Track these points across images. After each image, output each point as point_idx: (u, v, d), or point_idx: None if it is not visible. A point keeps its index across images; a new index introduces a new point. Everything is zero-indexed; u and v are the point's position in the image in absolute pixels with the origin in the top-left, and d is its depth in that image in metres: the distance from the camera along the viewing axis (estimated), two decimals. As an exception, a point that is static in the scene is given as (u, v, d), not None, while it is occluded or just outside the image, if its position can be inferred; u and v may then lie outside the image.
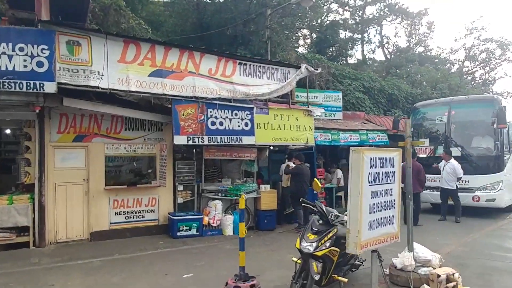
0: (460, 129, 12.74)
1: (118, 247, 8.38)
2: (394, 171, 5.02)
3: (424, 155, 12.76)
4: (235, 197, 9.96)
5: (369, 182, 4.60)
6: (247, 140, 9.83)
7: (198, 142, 9.15)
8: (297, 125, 10.90)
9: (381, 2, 32.72)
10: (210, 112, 9.36)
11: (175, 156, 9.98)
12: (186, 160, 9.86)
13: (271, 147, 10.99)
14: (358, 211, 4.48)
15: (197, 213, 9.59)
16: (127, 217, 9.16)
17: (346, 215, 5.76)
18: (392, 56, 34.02)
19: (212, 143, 9.35)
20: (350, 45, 29.25)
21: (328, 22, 28.45)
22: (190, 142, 9.04)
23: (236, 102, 9.76)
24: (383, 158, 4.82)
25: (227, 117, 9.60)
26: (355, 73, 20.41)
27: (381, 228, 4.82)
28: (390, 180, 4.95)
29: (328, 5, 28.07)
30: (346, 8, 31.68)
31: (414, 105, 14.24)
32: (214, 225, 9.62)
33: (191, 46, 9.46)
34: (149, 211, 9.41)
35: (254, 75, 10.20)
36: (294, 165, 10.63)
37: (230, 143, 9.62)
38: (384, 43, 34.93)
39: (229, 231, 9.69)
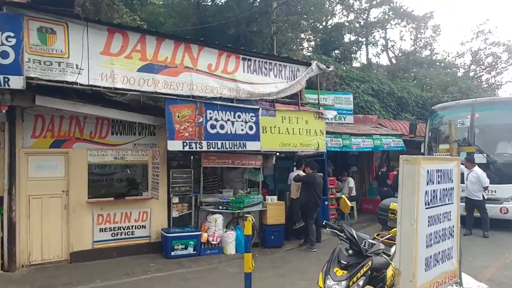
0: (485, 133, 11.38)
1: (101, 270, 7.03)
2: (453, 187, 3.67)
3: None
4: (238, 210, 8.62)
5: (425, 204, 3.25)
6: (251, 145, 8.51)
7: (196, 148, 7.82)
8: (307, 129, 9.56)
9: (386, 5, 31.48)
10: (210, 113, 8.04)
11: (170, 164, 8.66)
12: (182, 169, 8.51)
13: (277, 154, 9.65)
14: (413, 245, 3.12)
15: (194, 229, 8.23)
16: (113, 234, 7.80)
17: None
18: (397, 60, 32.71)
19: (211, 149, 8.02)
20: (355, 48, 27.89)
21: (332, 24, 27.19)
22: (187, 148, 7.71)
23: (239, 102, 8.45)
24: (440, 170, 3.47)
25: (229, 120, 8.28)
26: (363, 75, 19.09)
27: (439, 266, 3.47)
28: (448, 200, 3.60)
29: (333, 7, 26.82)
30: (351, 10, 30.42)
31: (432, 107, 12.91)
32: (214, 242, 8.26)
33: (187, 38, 8.16)
34: (139, 227, 8.05)
35: (260, 72, 8.89)
36: (304, 174, 9.30)
37: (233, 149, 8.29)
38: (389, 47, 33.67)
39: (231, 249, 8.33)
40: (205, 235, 8.21)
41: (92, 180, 7.82)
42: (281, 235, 9.07)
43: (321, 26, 26.66)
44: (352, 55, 26.73)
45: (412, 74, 24.81)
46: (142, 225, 8.08)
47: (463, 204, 10.51)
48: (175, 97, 7.57)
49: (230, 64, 8.43)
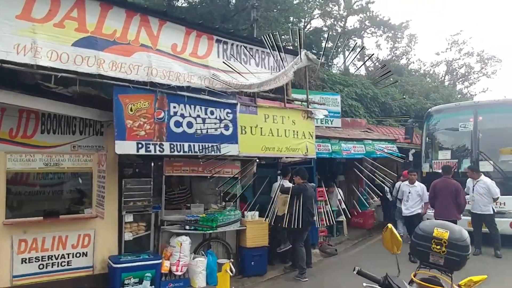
0: (489, 138, 9.88)
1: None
2: None
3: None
4: (210, 231, 6.65)
5: None
6: (227, 149, 6.59)
7: (155, 151, 5.84)
8: (294, 131, 7.74)
9: (363, 13, 30.43)
10: (174, 107, 6.11)
11: (124, 173, 6.64)
12: (139, 178, 6.49)
13: (257, 160, 7.76)
14: None
15: (153, 255, 6.21)
16: (42, 266, 5.68)
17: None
18: (375, 68, 31.61)
19: (176, 152, 6.06)
20: (334, 54, 26.52)
21: (311, 28, 25.73)
22: (142, 151, 5.72)
23: (213, 95, 6.55)
24: None
25: (199, 116, 6.36)
26: (346, 79, 17.56)
27: None
28: None
29: (312, 10, 25.37)
30: (329, 16, 29.19)
31: (429, 110, 11.38)
32: (179, 273, 6.26)
33: (145, 7, 6.20)
34: (78, 254, 5.95)
35: (239, 59, 7.03)
36: (290, 184, 7.45)
37: (203, 153, 6.35)
38: (365, 55, 32.59)
39: (200, 281, 6.35)
40: (166, 263, 6.20)
41: (13, 193, 5.72)
42: (263, 261, 7.17)
43: (297, 28, 25.25)
44: (330, 61, 25.28)
45: (391, 80, 23.46)
46: (83, 253, 5.98)
47: (468, 218, 8.93)
48: (127, 84, 5.59)
49: (201, 46, 6.53)
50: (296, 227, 6.92)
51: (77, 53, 5.13)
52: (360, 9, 30.22)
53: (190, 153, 6.28)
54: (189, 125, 6.24)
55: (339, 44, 29.93)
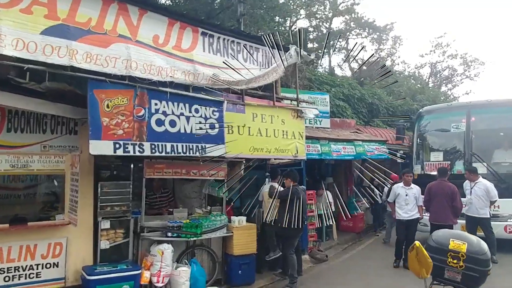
0: (483, 139, 9.64)
1: None
2: None
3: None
4: (194, 238, 6.17)
5: None
6: (213, 150, 6.12)
7: (134, 152, 5.34)
8: (283, 131, 7.32)
9: (348, 15, 30.32)
10: (156, 104, 5.62)
11: (101, 175, 6.11)
12: (117, 181, 5.96)
13: (244, 161, 7.32)
14: None
15: (132, 265, 5.68)
16: (7, 278, 5.11)
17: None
18: (360, 69, 31.53)
19: (157, 153, 5.57)
20: (319, 54, 26.28)
21: (296, 29, 25.44)
22: (120, 152, 5.21)
23: (198, 91, 6.08)
24: None
25: (182, 114, 5.89)
26: (333, 79, 17.27)
27: None
28: None
29: (297, 10, 25.06)
30: (315, 16, 28.98)
31: (420, 110, 11.09)
32: (160, 284, 5.75)
33: (124, -6, 5.68)
34: (49, 265, 5.40)
35: (225, 54, 6.58)
36: (280, 187, 7.02)
37: (187, 154, 5.87)
38: (350, 57, 32.49)
39: (183, 293, 5.86)
40: (146, 274, 5.69)
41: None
42: (251, 269, 6.71)
43: (284, 30, 24.96)
44: (316, 62, 25.04)
45: (376, 82, 23.33)
46: (54, 263, 5.43)
47: (463, 221, 8.65)
48: (103, 78, 5.08)
49: (186, 39, 6.05)
50: (286, 232, 6.51)
51: (46, 42, 4.59)
52: (346, 10, 30.16)
53: (173, 154, 5.79)
54: (172, 123, 5.76)
55: (324, 44, 29.89)
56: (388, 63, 32.80)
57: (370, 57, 24.77)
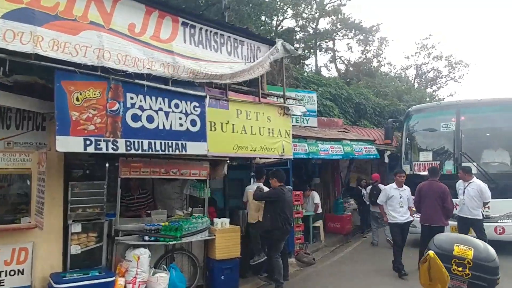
0: (472, 139, 9.44)
1: None
2: None
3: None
4: (173, 241, 5.75)
5: None
6: (194, 148, 5.74)
7: (107, 149, 4.90)
8: (269, 128, 6.96)
9: (334, 15, 30.17)
10: (132, 98, 5.19)
11: (73, 174, 5.66)
12: (89, 182, 5.51)
13: (228, 161, 6.95)
14: None
15: (105, 272, 5.23)
16: (-35, 289, 4.64)
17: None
18: (346, 70, 31.45)
19: (133, 151, 5.13)
20: (306, 55, 26.09)
21: (283, 28, 25.18)
22: (91, 149, 4.76)
23: (178, 85, 5.67)
24: None
25: (161, 109, 5.47)
26: (320, 78, 17.00)
27: None
28: None
29: (284, 10, 24.80)
30: (301, 17, 28.77)
31: (409, 109, 10.86)
32: (136, 292, 5.33)
33: (96, -22, 5.23)
34: (13, 272, 4.93)
35: (208, 46, 6.17)
36: (266, 188, 6.66)
37: (166, 152, 5.46)
38: (337, 58, 32.39)
39: (161, 301, 5.44)
40: (121, 281, 5.26)
41: None
42: (235, 274, 6.31)
43: (271, 29, 24.68)
44: (303, 61, 24.85)
45: (362, 82, 23.20)
46: (18, 270, 4.96)
47: (454, 223, 8.41)
48: (72, 68, 4.64)
49: (165, 28, 5.63)
50: (271, 235, 6.15)
51: (7, 27, 4.13)
52: (332, 10, 30.01)
53: (150, 152, 5.37)
54: (150, 119, 5.33)
55: (311, 45, 29.73)
56: (375, 64, 32.88)
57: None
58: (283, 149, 7.19)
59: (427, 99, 27.20)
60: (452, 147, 9.35)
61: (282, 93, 7.49)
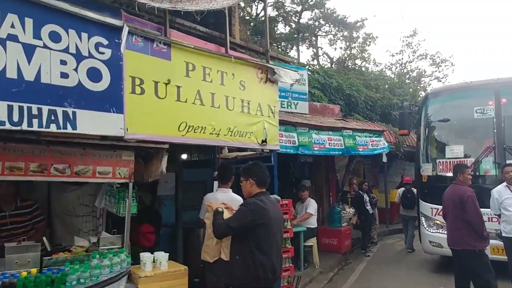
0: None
1: None
2: None
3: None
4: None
5: None
6: (95, 123, 2.87)
7: None
8: (243, 101, 4.16)
9: (318, 9, 27.71)
10: None
11: None
12: None
13: (166, 149, 4.03)
14: None
15: None
16: None
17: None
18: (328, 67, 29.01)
19: None
20: (289, 46, 23.54)
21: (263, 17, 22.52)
22: None
23: (73, 2, 2.78)
24: None
25: (16, 39, 2.56)
26: (306, 64, 14.32)
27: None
28: None
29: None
30: (283, 10, 26.28)
31: (428, 92, 8.20)
32: None
33: None
34: None
35: None
36: (237, 197, 3.81)
37: (25, 127, 2.54)
38: (319, 55, 29.90)
39: None
40: None
41: None
42: None
43: (250, 19, 22.07)
44: (287, 51, 22.28)
45: (350, 76, 20.72)
46: None
47: (498, 242, 5.83)
48: None
49: None
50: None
51: None
52: (315, 4, 27.59)
53: (9, 127, 2.48)
54: (16, 63, 2.44)
55: (293, 40, 27.21)
56: (358, 62, 30.48)
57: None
58: (266, 135, 4.38)
59: (422, 93, 24.95)
60: (491, 139, 6.71)
61: (263, 49, 4.66)
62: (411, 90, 21.11)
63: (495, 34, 48.39)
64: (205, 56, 3.79)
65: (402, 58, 32.08)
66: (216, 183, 4.42)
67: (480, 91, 7.10)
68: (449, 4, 48.95)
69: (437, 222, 6.99)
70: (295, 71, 5.31)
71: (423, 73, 32.81)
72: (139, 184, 3.77)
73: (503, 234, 5.45)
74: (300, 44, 28.12)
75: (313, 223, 7.09)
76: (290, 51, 24.78)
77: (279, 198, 4.14)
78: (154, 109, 3.31)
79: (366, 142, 7.60)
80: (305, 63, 24.20)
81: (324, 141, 6.92)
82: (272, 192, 5.01)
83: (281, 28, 26.39)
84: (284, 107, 7.90)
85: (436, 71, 32.14)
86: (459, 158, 6.85)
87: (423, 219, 7.26)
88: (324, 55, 30.22)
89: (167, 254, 3.41)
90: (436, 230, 7.01)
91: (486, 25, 48.56)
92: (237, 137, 4.08)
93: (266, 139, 4.41)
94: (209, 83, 3.82)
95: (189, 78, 3.63)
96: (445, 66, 31.68)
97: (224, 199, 3.92)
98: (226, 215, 3.15)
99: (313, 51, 30.80)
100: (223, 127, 3.92)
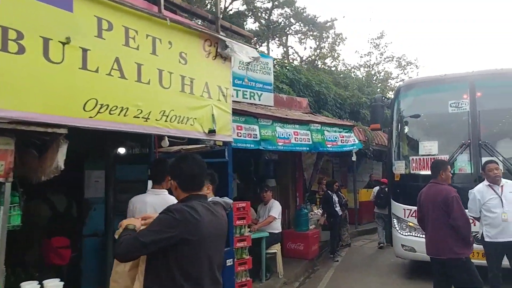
0: (494, 123, 6.24)
1: None
2: None
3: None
4: None
5: None
6: None
7: None
8: (183, 77, 3.18)
9: (288, 7, 27.05)
10: None
11: None
12: None
13: (65, 135, 3.03)
14: None
15: None
16: None
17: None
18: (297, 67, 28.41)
19: None
20: (259, 42, 22.65)
21: (233, 10, 21.58)
22: None
23: None
24: None
25: None
26: (274, 58, 13.46)
27: None
28: None
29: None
30: (253, 6, 25.40)
31: (400, 85, 7.48)
32: None
33: None
34: None
35: None
36: (172, 199, 2.82)
37: None
38: (290, 54, 29.24)
39: None
40: None
41: None
42: None
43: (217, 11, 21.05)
44: (256, 48, 21.34)
45: (323, 72, 20.09)
46: None
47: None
48: None
49: None
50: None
51: None
52: (285, 1, 26.92)
53: None
54: None
55: (263, 38, 26.42)
56: (328, 61, 30.01)
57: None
58: (214, 123, 3.43)
59: (390, 93, 24.67)
60: (465, 134, 6.03)
61: (212, 16, 3.69)
62: (378, 90, 20.65)
63: (462, 34, 49.11)
64: (127, 13, 2.79)
65: (370, 60, 32.06)
66: (150, 183, 3.41)
67: (454, 84, 6.41)
68: (417, 4, 49.38)
69: (410, 224, 6.26)
70: (256, 54, 4.36)
71: (390, 75, 32.93)
72: (49, 184, 2.74)
73: (487, 239, 4.74)
74: (270, 41, 27.40)
75: (276, 227, 6.17)
76: (259, 47, 23.96)
77: (230, 201, 3.21)
78: (43, 77, 2.28)
79: (336, 138, 6.78)
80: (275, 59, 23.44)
81: (289, 135, 6.03)
82: (226, 193, 4.05)
83: (251, 24, 25.53)
84: (247, 98, 6.97)
85: (402, 73, 32.30)
86: (434, 155, 6.14)
87: (395, 221, 6.51)
88: (294, 54, 29.60)
89: (62, 283, 2.37)
90: (409, 233, 6.27)
91: (453, 26, 49.26)
92: (174, 123, 3.11)
93: (215, 128, 3.46)
94: (134, 50, 2.82)
95: (102, 40, 2.62)
96: (410, 69, 31.83)
97: (155, 203, 2.95)
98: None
99: (283, 49, 30.18)
100: (155, 110, 2.94)
